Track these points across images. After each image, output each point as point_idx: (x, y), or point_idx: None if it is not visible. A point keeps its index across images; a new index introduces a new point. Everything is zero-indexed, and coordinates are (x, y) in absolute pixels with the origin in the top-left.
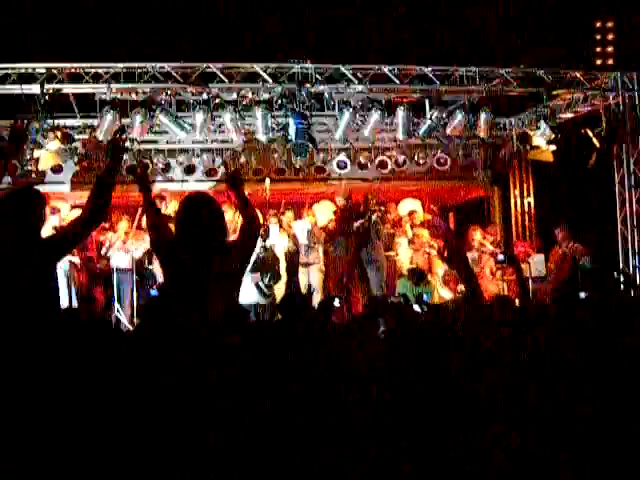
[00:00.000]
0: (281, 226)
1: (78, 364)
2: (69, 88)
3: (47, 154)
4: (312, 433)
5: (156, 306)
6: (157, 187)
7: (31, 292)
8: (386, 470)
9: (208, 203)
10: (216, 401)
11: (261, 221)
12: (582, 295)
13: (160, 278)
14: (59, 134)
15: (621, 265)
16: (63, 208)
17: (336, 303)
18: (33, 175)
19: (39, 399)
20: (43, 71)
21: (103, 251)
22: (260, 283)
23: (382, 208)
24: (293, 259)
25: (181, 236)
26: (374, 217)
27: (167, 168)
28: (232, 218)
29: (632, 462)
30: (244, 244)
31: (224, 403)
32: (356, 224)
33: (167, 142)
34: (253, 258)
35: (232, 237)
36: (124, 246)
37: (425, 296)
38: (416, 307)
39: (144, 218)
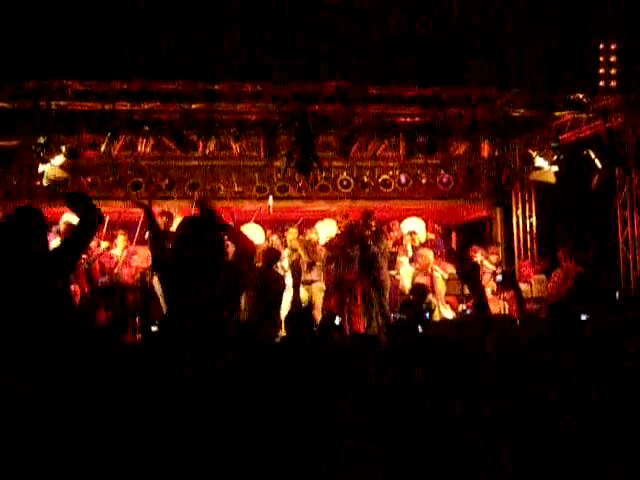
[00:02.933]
0: (285, 244)
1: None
2: (76, 105)
3: (52, 169)
4: (312, 448)
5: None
6: (163, 205)
7: (49, 306)
8: None
9: (205, 225)
10: (215, 416)
11: (254, 245)
12: (583, 317)
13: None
14: (64, 149)
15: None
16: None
17: (336, 322)
18: None
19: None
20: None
21: (107, 270)
22: None
23: (380, 227)
24: (297, 273)
25: (177, 257)
26: (369, 241)
27: (171, 185)
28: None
29: None
30: (237, 267)
31: (223, 418)
32: (353, 251)
33: (172, 159)
34: None
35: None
36: (127, 261)
37: (427, 314)
38: (418, 327)
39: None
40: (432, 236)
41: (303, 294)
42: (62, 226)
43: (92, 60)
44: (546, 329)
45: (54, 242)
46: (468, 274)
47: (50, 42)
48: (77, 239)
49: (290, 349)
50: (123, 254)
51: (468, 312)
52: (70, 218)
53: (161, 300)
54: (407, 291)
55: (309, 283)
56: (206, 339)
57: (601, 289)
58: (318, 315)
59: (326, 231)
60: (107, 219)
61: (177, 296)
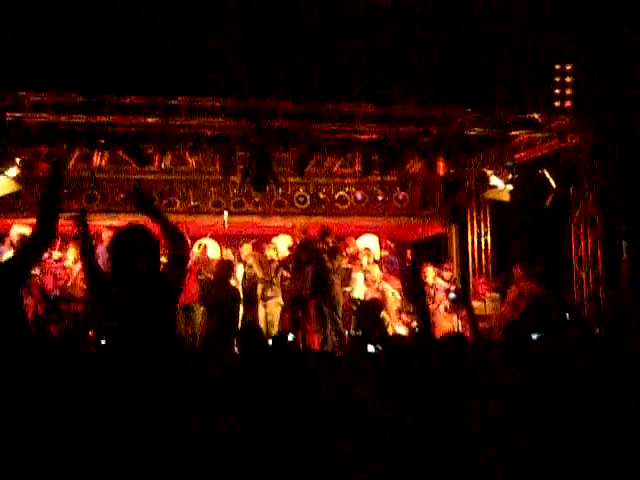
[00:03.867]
0: (240, 259)
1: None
2: (31, 117)
3: (6, 180)
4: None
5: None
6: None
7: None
8: None
9: (140, 234)
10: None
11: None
12: (534, 336)
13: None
14: (18, 161)
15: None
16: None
17: (290, 338)
18: None
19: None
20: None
21: (60, 282)
22: None
23: (336, 244)
24: (250, 290)
25: (113, 269)
26: (324, 257)
27: (126, 199)
28: (189, 248)
29: None
30: (171, 271)
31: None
32: (307, 267)
33: (128, 173)
34: None
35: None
36: (79, 273)
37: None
38: (370, 347)
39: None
40: (386, 253)
41: (260, 311)
42: (15, 237)
43: (48, 72)
44: (500, 349)
45: (7, 254)
46: (416, 295)
47: (5, 53)
48: (31, 250)
49: (243, 366)
50: (76, 267)
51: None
52: (21, 230)
53: None
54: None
55: (266, 299)
56: (147, 351)
57: (554, 308)
58: (274, 332)
59: (281, 247)
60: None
61: (115, 310)
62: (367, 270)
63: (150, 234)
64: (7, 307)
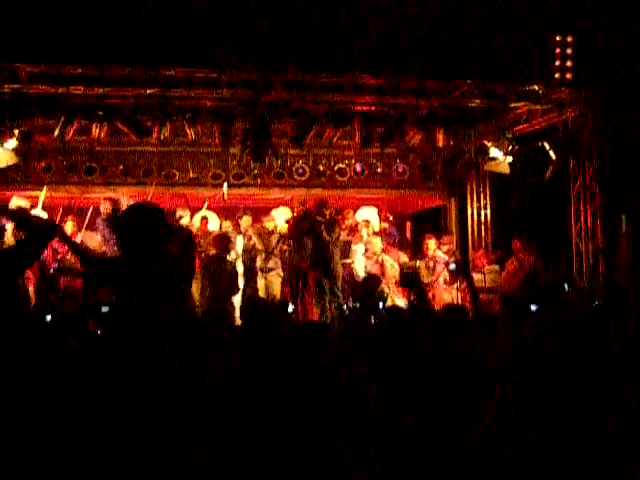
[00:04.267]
0: (239, 231)
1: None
2: (29, 88)
3: (4, 152)
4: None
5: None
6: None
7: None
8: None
9: (150, 213)
10: (169, 407)
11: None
12: (533, 308)
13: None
14: (17, 132)
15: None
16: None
17: (289, 309)
18: None
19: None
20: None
21: (59, 255)
22: None
23: (334, 216)
24: (250, 262)
25: (123, 247)
26: (322, 230)
27: (126, 171)
28: (189, 222)
29: None
30: (182, 257)
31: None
32: (307, 239)
33: (126, 145)
34: None
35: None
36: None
37: (380, 304)
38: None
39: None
40: (385, 225)
41: (261, 282)
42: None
43: (46, 44)
44: (500, 321)
45: (7, 225)
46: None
47: (2, 25)
48: (28, 246)
49: (245, 340)
50: (75, 238)
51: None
52: (20, 202)
53: None
54: (359, 279)
55: (267, 271)
56: (156, 330)
57: (553, 281)
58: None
59: (280, 219)
60: (60, 206)
61: (124, 289)
62: (368, 242)
63: (157, 213)
64: (5, 295)
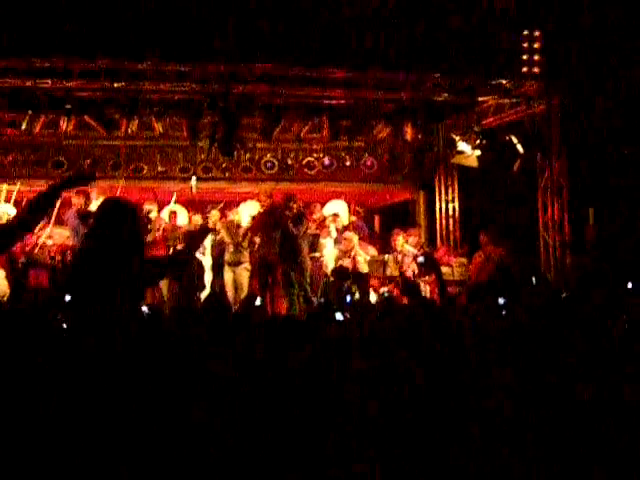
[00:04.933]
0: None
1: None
2: None
3: None
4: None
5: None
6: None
7: None
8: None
9: (123, 208)
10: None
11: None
12: (501, 301)
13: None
14: None
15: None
16: None
17: (257, 302)
18: None
19: None
20: None
21: (27, 248)
22: None
23: (301, 210)
24: (219, 256)
25: (94, 239)
26: (290, 223)
27: (94, 165)
28: (157, 216)
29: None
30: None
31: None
32: (275, 232)
33: (94, 139)
34: None
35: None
36: (45, 240)
37: (348, 298)
38: (338, 315)
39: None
40: (354, 218)
41: (228, 276)
42: None
43: (13, 36)
44: (468, 312)
45: None
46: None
47: None
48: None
49: (210, 332)
50: (43, 233)
51: (387, 295)
52: None
53: None
54: (329, 272)
55: (235, 264)
56: (121, 326)
57: (520, 273)
58: (242, 297)
59: (249, 212)
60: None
61: (91, 283)
62: (344, 237)
63: (131, 208)
64: None
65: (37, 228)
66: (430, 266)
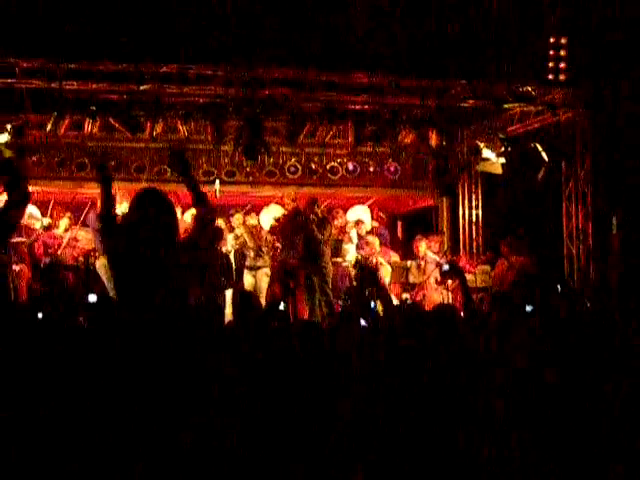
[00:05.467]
0: (231, 229)
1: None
2: (22, 83)
3: None
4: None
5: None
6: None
7: None
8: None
9: (159, 199)
10: (165, 402)
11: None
12: (528, 308)
13: (103, 276)
14: (9, 127)
15: (566, 279)
16: None
17: (281, 307)
18: None
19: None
20: None
21: (50, 250)
22: None
23: (324, 215)
24: (240, 260)
25: (131, 233)
26: (313, 228)
27: (117, 167)
28: (180, 217)
29: None
30: (195, 239)
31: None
32: (297, 237)
33: (119, 141)
34: None
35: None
36: (70, 242)
37: (372, 304)
38: (362, 322)
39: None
40: (376, 224)
41: (249, 280)
42: None
43: (40, 39)
44: (492, 320)
45: None
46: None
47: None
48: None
49: (237, 334)
50: (67, 235)
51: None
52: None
53: (106, 283)
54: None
55: (255, 269)
56: (159, 325)
57: (544, 281)
58: (263, 301)
59: (272, 216)
60: (52, 199)
61: (128, 281)
62: (366, 241)
63: (167, 199)
64: None
65: (62, 230)
66: (455, 274)
